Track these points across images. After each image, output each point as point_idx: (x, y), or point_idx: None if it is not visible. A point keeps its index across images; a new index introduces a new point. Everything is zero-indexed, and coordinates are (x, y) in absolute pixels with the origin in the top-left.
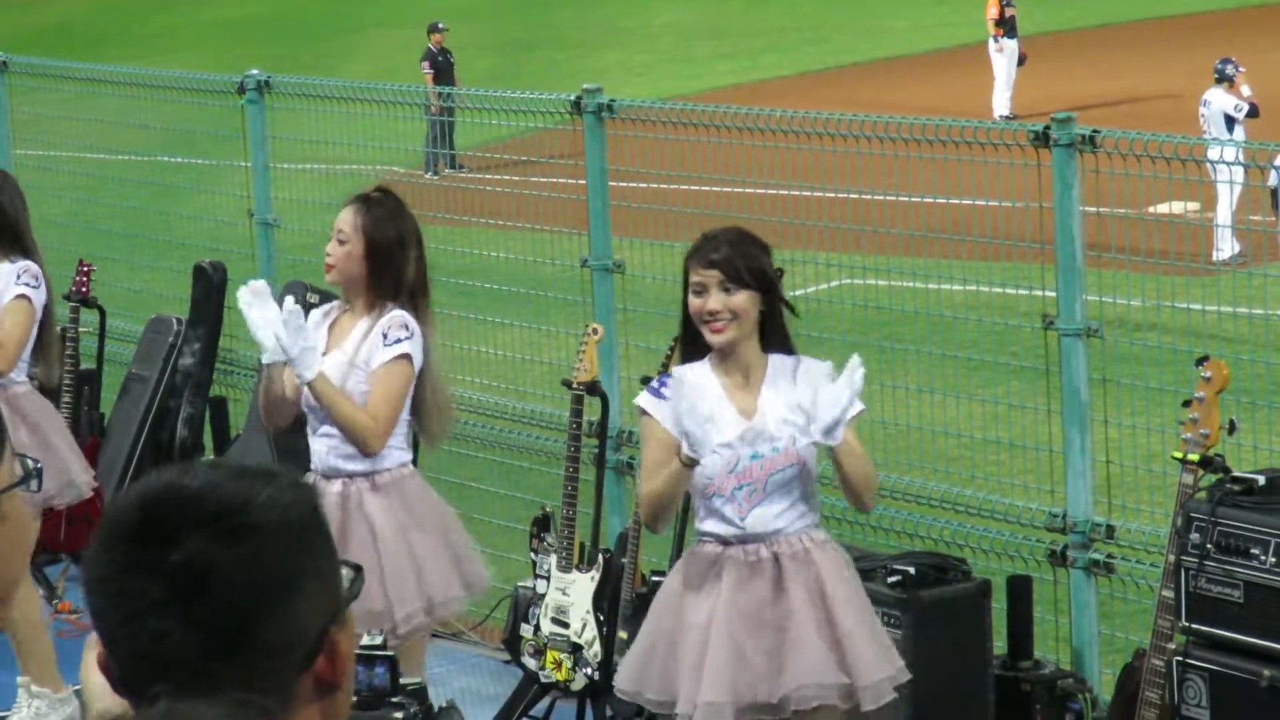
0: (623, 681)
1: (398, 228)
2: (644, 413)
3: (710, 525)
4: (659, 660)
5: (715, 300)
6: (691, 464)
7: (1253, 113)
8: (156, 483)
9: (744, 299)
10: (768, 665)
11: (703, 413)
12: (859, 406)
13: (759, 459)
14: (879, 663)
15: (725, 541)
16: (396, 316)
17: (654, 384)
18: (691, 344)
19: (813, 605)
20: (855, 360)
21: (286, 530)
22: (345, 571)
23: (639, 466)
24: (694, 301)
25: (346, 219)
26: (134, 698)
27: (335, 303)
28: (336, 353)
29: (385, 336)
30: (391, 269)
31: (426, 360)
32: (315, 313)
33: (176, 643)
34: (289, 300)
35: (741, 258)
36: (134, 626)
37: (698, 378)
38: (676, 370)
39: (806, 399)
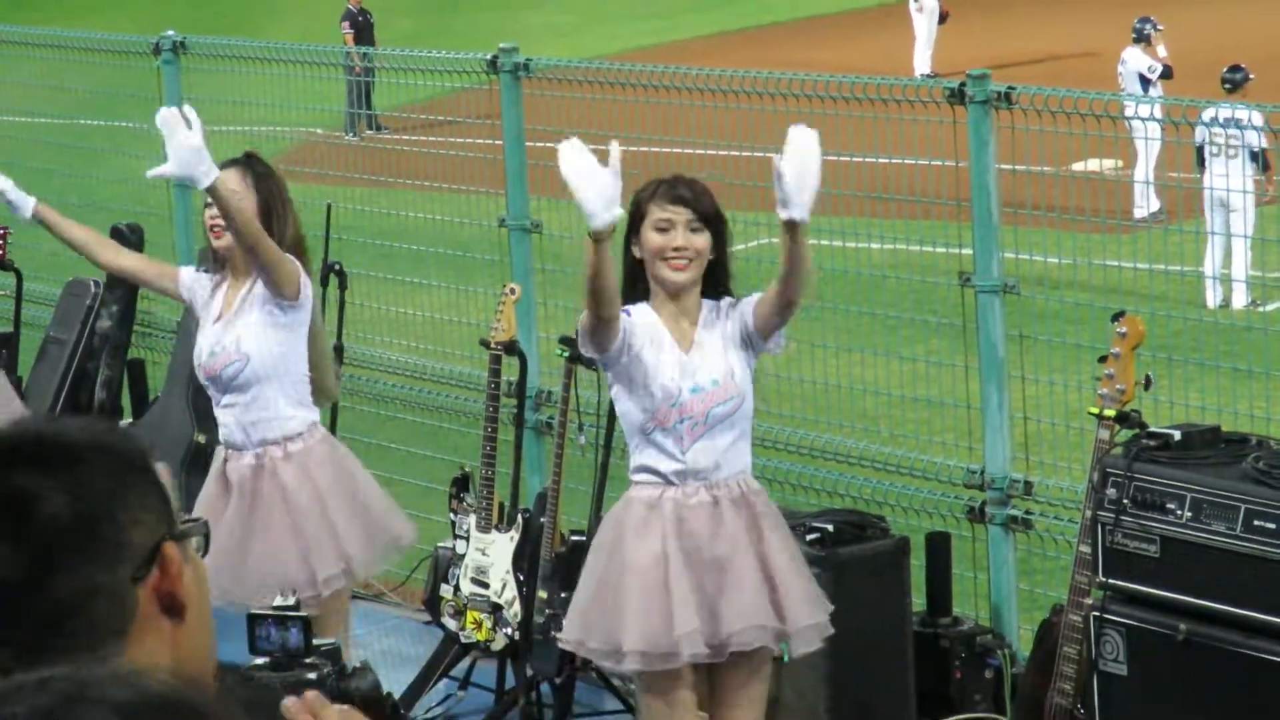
0: (567, 632)
1: (277, 185)
2: None
3: (648, 462)
4: (600, 610)
5: (682, 237)
6: (597, 238)
7: (1166, 74)
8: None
9: (705, 241)
10: (708, 604)
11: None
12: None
13: (699, 392)
14: (810, 610)
15: (667, 481)
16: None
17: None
18: (631, 288)
19: (750, 547)
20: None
21: (100, 450)
22: (194, 525)
23: (569, 427)
24: (655, 238)
25: (233, 178)
26: None
27: (212, 275)
28: (228, 313)
29: None
30: (277, 223)
31: (314, 316)
32: (204, 279)
33: (8, 565)
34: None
35: (706, 198)
36: None
37: (639, 313)
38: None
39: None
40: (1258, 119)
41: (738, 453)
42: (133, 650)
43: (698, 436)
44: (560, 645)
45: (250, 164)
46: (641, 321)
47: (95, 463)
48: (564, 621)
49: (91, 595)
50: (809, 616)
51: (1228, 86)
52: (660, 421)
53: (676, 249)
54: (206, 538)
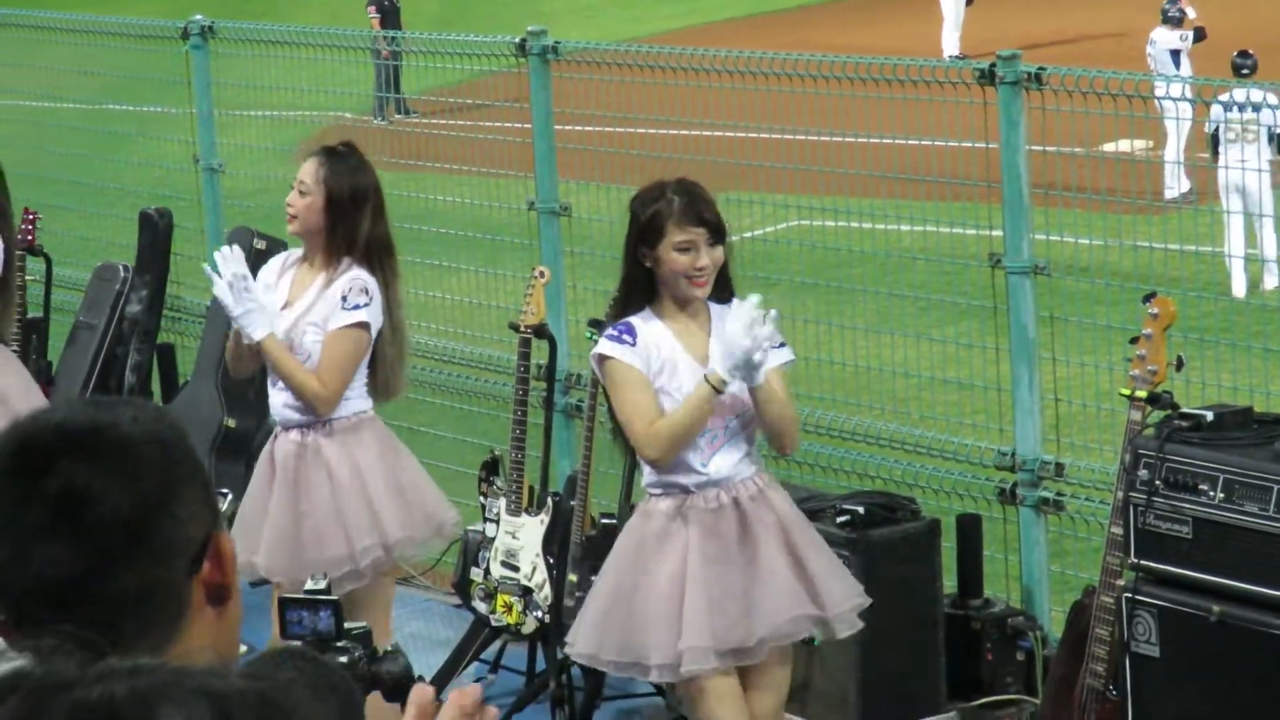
0: (579, 645)
1: (357, 182)
2: (605, 358)
3: (668, 476)
4: (618, 621)
5: (705, 257)
6: (723, 389)
7: (1199, 36)
8: (22, 423)
9: (720, 253)
10: (740, 608)
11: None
12: (786, 357)
13: (718, 404)
14: (845, 591)
15: (686, 490)
16: (358, 279)
17: (612, 332)
18: (636, 294)
19: (777, 542)
20: (752, 301)
21: (155, 443)
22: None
23: (599, 411)
24: (679, 259)
25: (309, 170)
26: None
27: (294, 252)
28: (296, 305)
29: (345, 300)
30: (348, 223)
31: (388, 320)
32: (274, 261)
33: (67, 565)
34: (232, 250)
35: (715, 210)
36: (23, 559)
37: (649, 327)
38: (632, 320)
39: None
40: (1273, 99)
41: (752, 456)
42: (183, 640)
43: (717, 448)
44: (573, 658)
45: (329, 158)
46: (653, 341)
47: (151, 457)
48: (575, 633)
49: (150, 591)
50: (846, 599)
51: (1244, 72)
52: None
53: (699, 268)
54: (232, 516)
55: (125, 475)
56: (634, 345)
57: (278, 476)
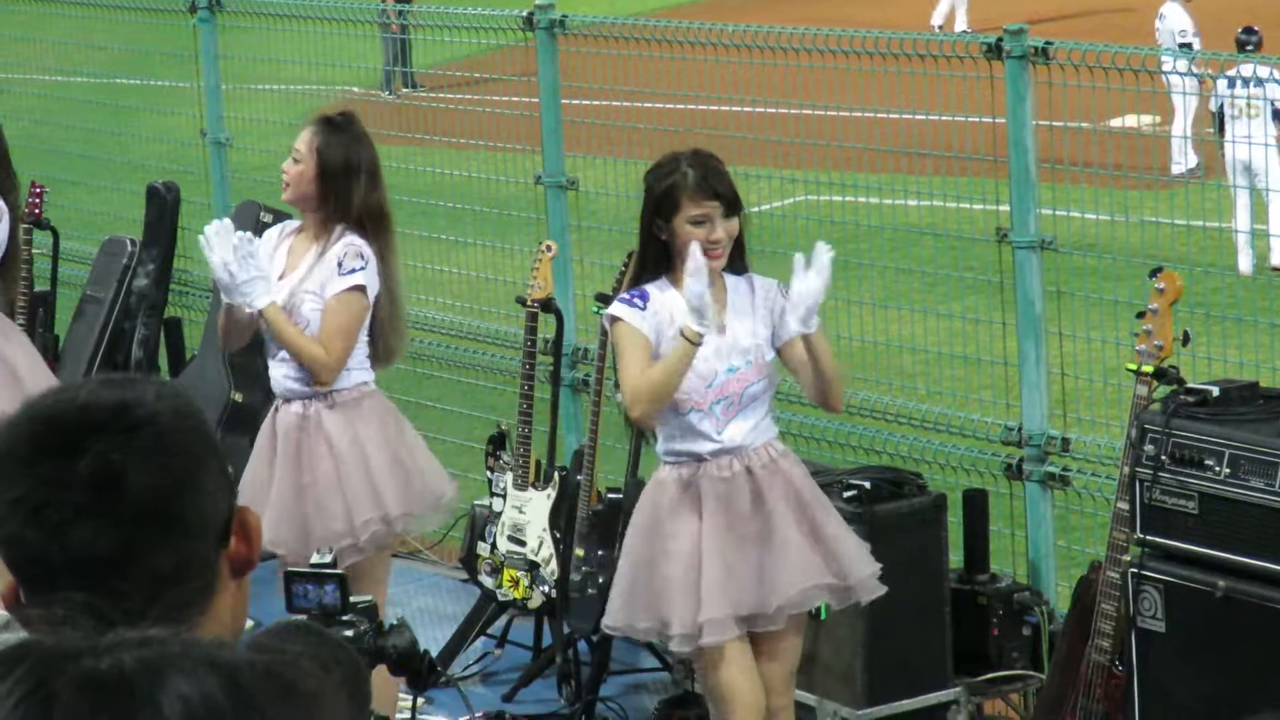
0: (612, 619)
1: (350, 153)
2: (616, 319)
3: (683, 445)
4: (643, 590)
5: (720, 229)
6: (699, 340)
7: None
8: (40, 403)
9: (735, 225)
10: (757, 576)
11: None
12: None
13: (734, 372)
14: (865, 560)
15: (699, 459)
16: (353, 244)
17: (625, 295)
18: (652, 265)
19: (791, 511)
20: (822, 246)
21: (180, 419)
22: None
23: (605, 385)
24: (694, 231)
25: (304, 138)
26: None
27: (292, 222)
28: (292, 275)
29: (340, 265)
30: (340, 193)
31: (384, 286)
32: (271, 231)
33: (106, 544)
34: (243, 234)
35: (729, 181)
36: (61, 539)
37: (664, 295)
38: (648, 287)
39: (777, 301)
40: (1278, 73)
41: (767, 425)
42: (212, 612)
43: (733, 416)
44: (609, 632)
45: (324, 127)
46: (666, 309)
47: (178, 433)
48: (609, 608)
49: (185, 566)
50: (866, 566)
51: (1249, 49)
52: (697, 404)
53: (714, 241)
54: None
55: (157, 452)
56: (644, 310)
57: (280, 450)
